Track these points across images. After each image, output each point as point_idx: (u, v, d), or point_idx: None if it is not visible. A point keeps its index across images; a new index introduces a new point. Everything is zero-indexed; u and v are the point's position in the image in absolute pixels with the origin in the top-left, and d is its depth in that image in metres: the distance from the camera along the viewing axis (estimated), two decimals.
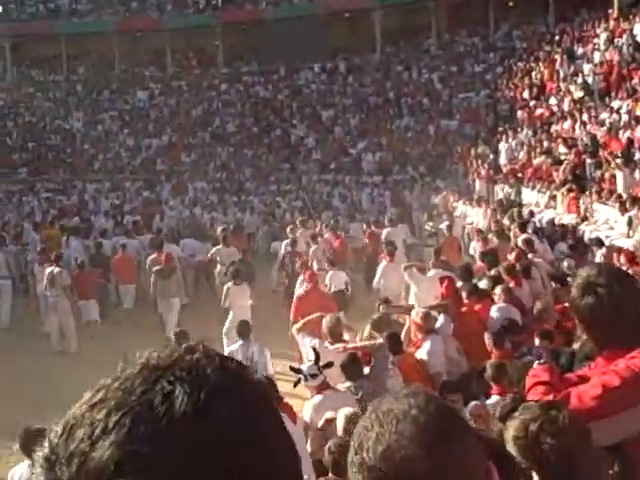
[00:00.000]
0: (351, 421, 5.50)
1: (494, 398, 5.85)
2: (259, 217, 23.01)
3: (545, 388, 2.68)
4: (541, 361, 2.98)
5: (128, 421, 0.79)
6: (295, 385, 6.66)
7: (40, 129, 35.21)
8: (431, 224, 18.91)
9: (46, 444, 0.81)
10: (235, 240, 15.72)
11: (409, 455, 1.19)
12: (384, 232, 16.19)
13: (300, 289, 11.70)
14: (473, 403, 6.00)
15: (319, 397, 6.43)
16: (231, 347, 9.30)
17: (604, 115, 20.14)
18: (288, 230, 16.40)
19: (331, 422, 5.68)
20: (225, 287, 12.45)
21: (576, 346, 5.86)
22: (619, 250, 12.25)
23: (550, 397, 2.57)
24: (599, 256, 11.99)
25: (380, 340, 7.49)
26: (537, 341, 6.90)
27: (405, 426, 1.22)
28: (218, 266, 14.80)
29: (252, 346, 8.92)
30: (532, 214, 16.80)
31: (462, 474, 1.20)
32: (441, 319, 8.19)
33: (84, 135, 34.59)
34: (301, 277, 12.20)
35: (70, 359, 12.58)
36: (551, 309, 8.47)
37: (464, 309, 8.67)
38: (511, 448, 2.23)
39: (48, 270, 13.06)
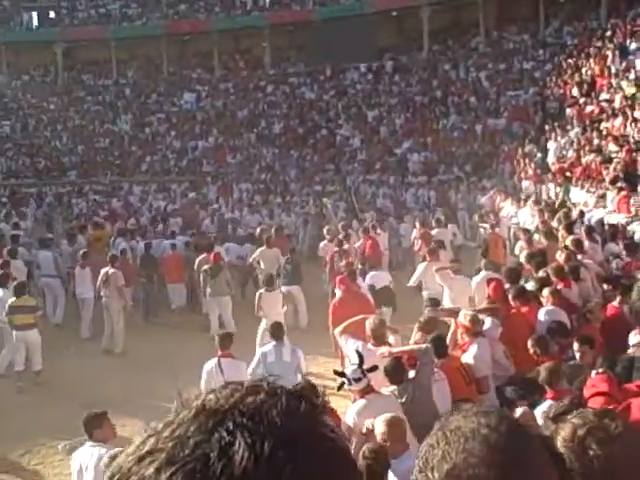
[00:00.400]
0: (390, 424, 5.42)
1: (547, 403, 5.69)
2: (300, 218, 22.99)
3: (605, 399, 2.57)
4: (599, 370, 2.87)
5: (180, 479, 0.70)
6: (339, 389, 6.59)
7: (89, 132, 35.79)
8: (481, 225, 18.70)
9: None
10: (278, 241, 15.74)
11: (477, 475, 1.12)
12: (433, 232, 16.08)
13: (335, 295, 11.55)
14: (521, 409, 5.86)
15: (362, 401, 6.36)
16: (263, 348, 9.20)
17: None
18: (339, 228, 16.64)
19: (373, 430, 5.60)
20: (257, 294, 12.43)
21: (631, 352, 5.68)
22: None
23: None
24: None
25: (426, 344, 7.38)
26: (576, 346, 6.72)
27: (474, 445, 1.15)
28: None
29: (285, 347, 8.88)
30: (582, 214, 16.46)
31: None
32: (488, 322, 8.04)
33: (132, 137, 35.07)
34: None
35: (116, 359, 12.73)
36: (598, 311, 8.27)
37: (512, 312, 8.50)
38: (560, 451, 2.13)
39: (103, 271, 13.42)
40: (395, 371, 6.72)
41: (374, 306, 11.01)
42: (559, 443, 2.16)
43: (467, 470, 1.13)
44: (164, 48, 37.95)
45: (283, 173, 30.62)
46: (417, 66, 34.63)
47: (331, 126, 33.09)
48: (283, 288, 13.93)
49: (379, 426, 5.42)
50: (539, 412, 5.60)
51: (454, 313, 8.44)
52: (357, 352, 6.85)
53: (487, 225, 17.83)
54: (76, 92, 38.41)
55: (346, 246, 15.43)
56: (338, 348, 9.82)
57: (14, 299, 11.31)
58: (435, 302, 9.85)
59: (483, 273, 11.15)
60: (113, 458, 0.75)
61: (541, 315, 8.28)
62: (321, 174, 29.98)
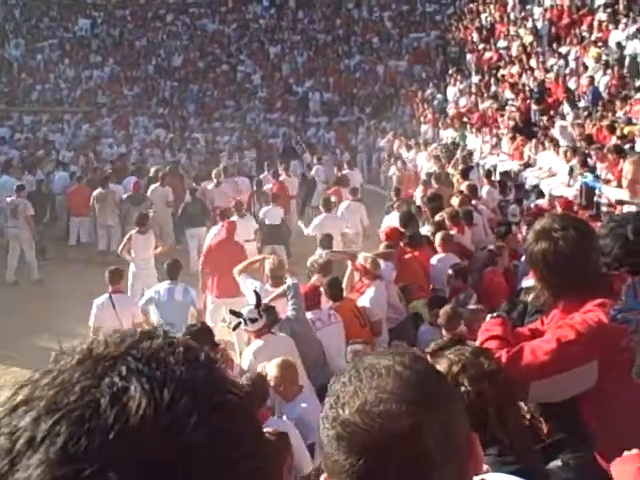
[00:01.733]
0: (282, 367, 5.46)
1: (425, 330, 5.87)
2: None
3: (498, 342, 2.63)
4: (494, 314, 2.94)
5: (64, 430, 0.60)
6: (234, 329, 6.60)
7: None
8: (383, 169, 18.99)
9: None
10: (171, 180, 15.49)
11: (388, 410, 1.10)
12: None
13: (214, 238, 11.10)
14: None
15: (259, 342, 6.38)
16: (156, 287, 9.03)
17: (552, 61, 20.17)
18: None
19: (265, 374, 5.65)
20: (127, 235, 11.65)
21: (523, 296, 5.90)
22: (558, 198, 12.42)
23: (504, 352, 2.52)
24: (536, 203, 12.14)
25: (288, 283, 7.37)
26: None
27: (387, 380, 1.14)
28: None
29: (178, 287, 8.82)
30: (470, 154, 16.96)
31: (442, 439, 1.11)
32: (383, 265, 8.17)
33: (21, 64, 33.28)
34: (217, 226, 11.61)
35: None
36: (505, 254, 8.58)
37: (406, 256, 8.68)
38: None
39: (9, 200, 13.47)
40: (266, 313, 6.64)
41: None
42: None
43: (378, 406, 1.11)
44: None
45: (182, 108, 29.89)
46: (320, 2, 34.16)
47: (232, 61, 32.40)
48: (189, 231, 13.74)
49: (271, 370, 5.45)
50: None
51: (351, 255, 8.55)
52: (255, 292, 6.83)
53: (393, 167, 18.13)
54: None
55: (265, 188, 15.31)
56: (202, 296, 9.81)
57: None
58: (328, 239, 9.93)
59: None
60: None
61: (434, 261, 8.51)
62: (221, 110, 29.44)
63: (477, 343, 2.76)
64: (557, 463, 2.43)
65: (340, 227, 11.98)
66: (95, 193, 14.66)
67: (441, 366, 2.20)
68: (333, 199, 13.37)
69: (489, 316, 2.93)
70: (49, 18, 35.84)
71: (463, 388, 2.17)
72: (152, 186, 15.10)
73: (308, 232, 11.97)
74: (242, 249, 10.58)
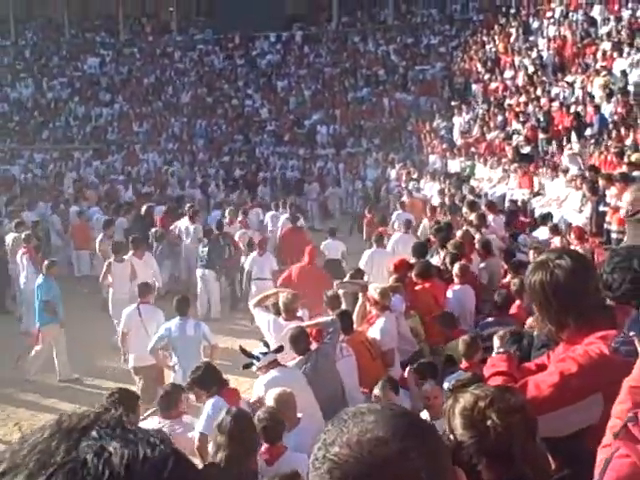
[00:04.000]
0: (279, 400, 5.48)
1: (459, 373, 5.84)
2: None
3: (504, 379, 2.65)
4: (500, 350, 2.96)
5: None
6: (245, 367, 6.59)
7: None
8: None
9: None
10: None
11: (376, 437, 1.14)
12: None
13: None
14: (429, 383, 6.02)
15: (269, 374, 6.39)
16: (167, 323, 8.93)
17: (556, 90, 20.31)
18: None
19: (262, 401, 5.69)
20: (107, 262, 12.04)
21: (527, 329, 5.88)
22: (569, 226, 12.41)
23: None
24: (547, 230, 12.10)
25: (332, 317, 7.46)
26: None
27: (371, 416, 1.17)
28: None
29: (189, 322, 8.84)
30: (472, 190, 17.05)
31: (430, 466, 1.14)
32: (394, 297, 8.18)
33: (33, 103, 33.72)
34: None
35: None
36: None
37: (417, 288, 8.69)
38: (456, 418, 2.21)
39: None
40: (298, 338, 6.74)
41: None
42: (457, 411, 2.23)
43: (365, 435, 1.14)
44: (65, 8, 36.50)
45: (191, 143, 30.15)
46: (326, 37, 34.55)
47: (240, 96, 32.73)
48: (198, 272, 13.72)
49: (269, 401, 5.48)
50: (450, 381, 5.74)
51: (362, 286, 8.56)
52: (262, 340, 6.92)
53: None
54: None
55: None
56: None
57: None
58: (359, 272, 9.90)
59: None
60: None
61: (449, 293, 8.53)
62: (230, 144, 29.69)
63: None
64: None
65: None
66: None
67: (465, 401, 2.23)
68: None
69: (494, 352, 2.95)
70: (59, 57, 36.40)
71: (490, 422, 2.18)
72: (183, 222, 15.13)
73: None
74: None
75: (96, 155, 29.08)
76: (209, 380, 6.26)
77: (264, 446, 5.01)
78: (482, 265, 9.77)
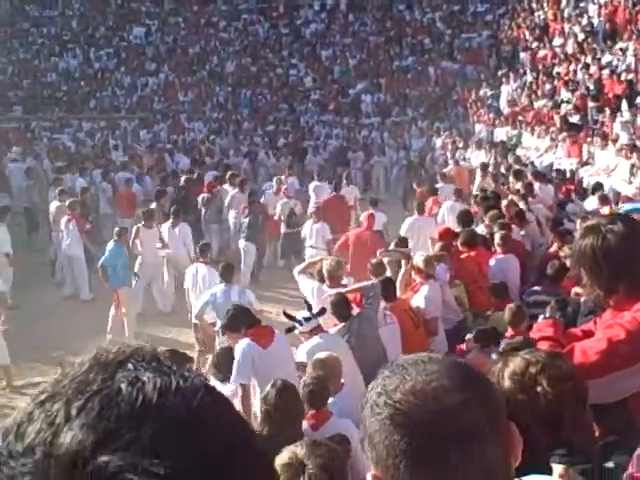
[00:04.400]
0: (323, 364, 5.53)
1: (504, 341, 5.82)
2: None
3: (550, 344, 2.64)
4: (546, 315, 2.94)
5: (96, 404, 0.72)
6: (288, 331, 6.66)
7: (35, 66, 34.64)
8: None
9: None
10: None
11: (440, 386, 1.16)
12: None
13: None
14: (472, 352, 6.02)
15: (312, 340, 6.45)
16: (212, 289, 9.05)
17: (608, 58, 19.83)
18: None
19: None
20: (135, 226, 12.42)
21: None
22: (618, 195, 12.21)
23: None
24: (596, 199, 11.90)
25: (373, 280, 7.48)
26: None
27: (432, 365, 1.20)
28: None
29: (233, 288, 8.93)
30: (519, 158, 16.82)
31: (489, 416, 1.16)
32: (438, 265, 8.16)
33: (80, 73, 34.08)
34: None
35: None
36: None
37: (462, 256, 8.65)
38: (505, 382, 2.21)
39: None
40: (339, 305, 6.80)
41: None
42: (506, 374, 2.22)
43: (429, 384, 1.16)
44: None
45: (235, 112, 30.21)
46: (371, 5, 34.14)
47: (284, 65, 32.63)
48: (240, 242, 13.77)
49: (315, 365, 5.55)
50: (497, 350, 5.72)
51: (406, 255, 8.55)
52: (305, 301, 6.97)
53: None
54: (20, 24, 37.02)
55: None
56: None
57: None
58: (403, 241, 9.90)
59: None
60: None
61: (492, 262, 8.49)
62: (275, 113, 29.67)
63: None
64: (610, 465, 2.41)
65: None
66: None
67: (516, 365, 2.22)
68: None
69: (541, 317, 2.93)
70: (105, 28, 36.62)
71: (540, 389, 2.18)
72: (232, 191, 14.96)
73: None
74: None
75: (142, 124, 29.32)
76: (237, 322, 6.37)
77: (310, 411, 5.07)
78: (522, 232, 9.71)
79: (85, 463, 0.69)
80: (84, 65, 34.62)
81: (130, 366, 0.77)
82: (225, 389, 5.91)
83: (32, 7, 37.86)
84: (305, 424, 4.97)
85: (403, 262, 8.31)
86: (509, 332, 6.21)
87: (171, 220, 12.39)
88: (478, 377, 1.23)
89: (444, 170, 16.94)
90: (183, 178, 16.04)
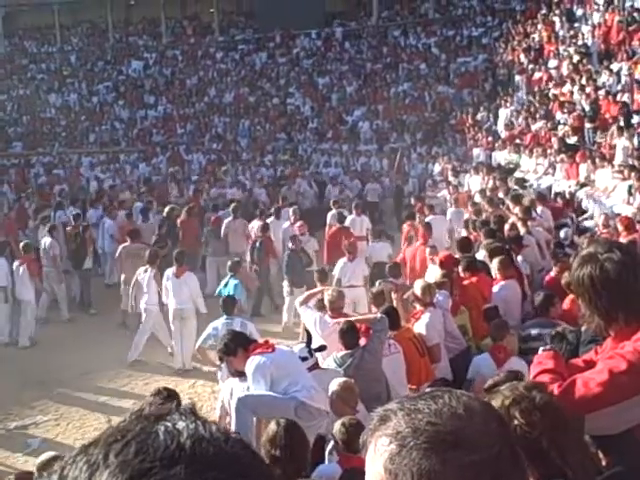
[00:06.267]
0: (344, 388, 5.56)
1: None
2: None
3: (551, 376, 2.62)
4: (546, 347, 2.93)
5: (133, 446, 0.79)
6: None
7: (34, 102, 34.87)
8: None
9: None
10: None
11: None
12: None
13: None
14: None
15: None
16: (214, 323, 9.08)
17: (603, 78, 19.93)
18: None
19: None
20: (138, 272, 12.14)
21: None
22: (617, 216, 12.19)
23: (555, 386, 2.50)
24: (597, 219, 11.91)
25: (381, 314, 7.46)
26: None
27: (444, 399, 1.14)
28: None
29: (235, 321, 8.92)
30: (524, 181, 16.84)
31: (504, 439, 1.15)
32: (439, 293, 8.15)
33: (79, 107, 34.31)
34: None
35: None
36: None
37: (464, 283, 8.64)
38: None
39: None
40: (348, 333, 6.80)
41: None
42: None
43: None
44: (108, 13, 37.04)
45: (234, 142, 30.35)
46: (367, 33, 34.45)
47: (282, 94, 32.85)
48: None
49: (333, 386, 5.53)
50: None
51: (397, 286, 8.56)
52: (306, 331, 6.93)
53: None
54: (19, 60, 37.36)
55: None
56: None
57: None
58: (396, 267, 9.88)
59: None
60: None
61: (495, 289, 8.46)
62: (273, 143, 29.80)
63: (531, 377, 2.76)
64: None
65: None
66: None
67: (496, 402, 2.23)
68: None
69: (540, 349, 2.92)
70: (103, 62, 36.92)
71: (515, 421, 2.19)
72: (226, 220, 15.15)
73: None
74: None
75: (142, 157, 29.44)
76: (231, 344, 6.31)
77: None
78: (520, 258, 9.71)
79: None
80: (83, 100, 34.86)
81: (169, 417, 0.84)
82: (243, 386, 6.15)
83: (31, 43, 38.24)
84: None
85: (393, 295, 8.34)
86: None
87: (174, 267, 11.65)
88: (491, 407, 1.23)
89: (444, 195, 17.02)
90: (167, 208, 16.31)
